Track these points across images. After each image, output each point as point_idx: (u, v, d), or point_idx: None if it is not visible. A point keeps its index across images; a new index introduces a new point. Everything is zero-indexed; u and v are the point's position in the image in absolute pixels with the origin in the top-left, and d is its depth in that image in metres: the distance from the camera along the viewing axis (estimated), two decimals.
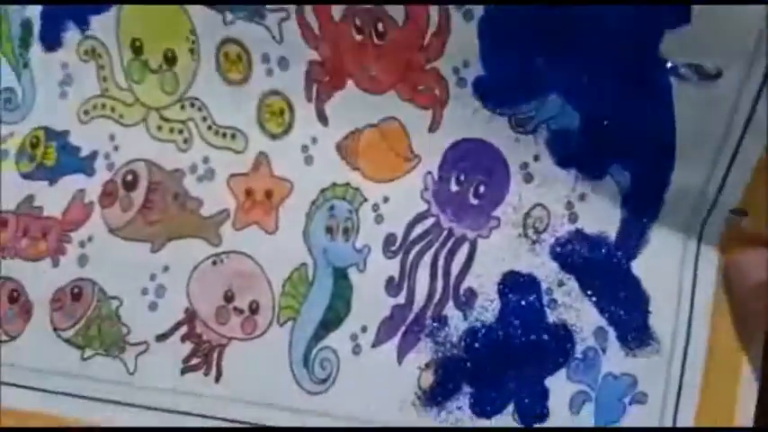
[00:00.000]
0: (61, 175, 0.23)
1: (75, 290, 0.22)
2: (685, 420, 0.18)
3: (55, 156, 0.23)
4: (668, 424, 0.18)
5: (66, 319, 0.22)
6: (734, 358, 0.18)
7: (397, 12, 0.19)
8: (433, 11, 0.19)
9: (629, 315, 0.19)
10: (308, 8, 0.20)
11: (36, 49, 0.23)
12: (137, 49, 0.22)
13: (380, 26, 0.20)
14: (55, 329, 0.22)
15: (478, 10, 0.18)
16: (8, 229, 0.23)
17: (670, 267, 0.19)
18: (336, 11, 0.20)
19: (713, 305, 0.18)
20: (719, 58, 0.16)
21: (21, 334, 0.22)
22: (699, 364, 0.18)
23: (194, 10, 0.21)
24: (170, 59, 0.22)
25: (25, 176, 0.23)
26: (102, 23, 0.22)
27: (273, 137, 0.21)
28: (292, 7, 0.20)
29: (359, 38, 0.20)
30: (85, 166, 0.23)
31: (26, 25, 0.23)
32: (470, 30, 0.19)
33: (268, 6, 0.20)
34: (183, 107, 0.22)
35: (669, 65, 0.17)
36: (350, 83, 0.20)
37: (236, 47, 0.21)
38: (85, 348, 0.22)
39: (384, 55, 0.20)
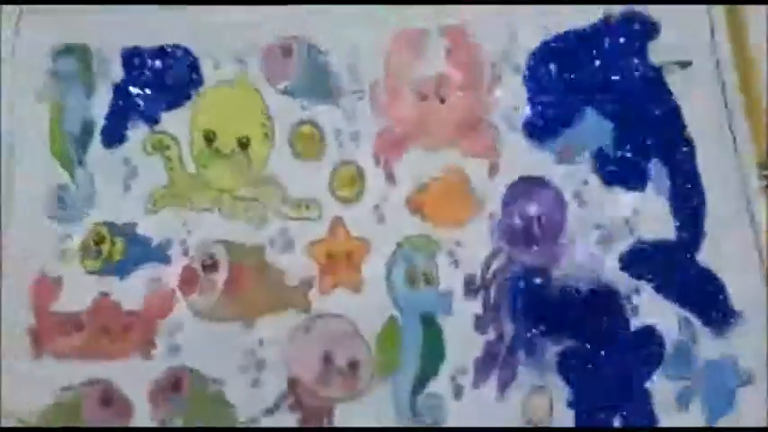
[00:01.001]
0: (134, 267, 0.24)
1: (173, 380, 0.23)
2: None
3: (123, 249, 0.24)
4: None
5: (169, 410, 0.22)
6: None
7: (456, 76, 0.23)
8: (486, 69, 0.22)
9: (710, 300, 0.22)
10: (380, 86, 0.23)
11: (95, 147, 0.24)
12: (209, 138, 0.24)
13: (443, 91, 0.23)
14: (160, 423, 0.22)
15: (523, 59, 0.23)
16: (85, 331, 0.23)
17: (733, 250, 0.22)
18: (404, 84, 0.23)
19: None
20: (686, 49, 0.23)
21: None
22: None
23: (269, 98, 0.23)
24: (243, 144, 0.24)
25: (93, 273, 0.23)
26: (173, 118, 0.24)
27: (347, 202, 0.24)
28: (367, 84, 0.23)
29: (423, 104, 0.23)
30: (159, 255, 0.24)
31: (86, 126, 0.24)
32: (517, 79, 0.23)
33: (342, 86, 0.23)
34: (256, 185, 0.24)
35: (657, 65, 0.23)
36: (414, 144, 0.23)
37: (311, 127, 0.23)
38: None
39: (445, 115, 0.23)
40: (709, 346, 0.22)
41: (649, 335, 0.22)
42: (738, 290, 0.22)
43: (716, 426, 0.22)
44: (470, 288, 0.23)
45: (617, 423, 0.22)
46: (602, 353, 0.22)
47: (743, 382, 0.22)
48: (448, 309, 0.23)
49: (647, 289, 0.23)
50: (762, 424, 0.21)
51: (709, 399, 0.22)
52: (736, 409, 0.22)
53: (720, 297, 0.22)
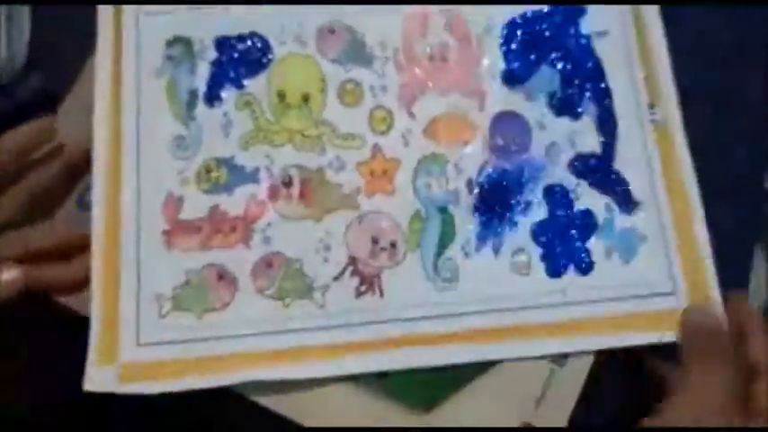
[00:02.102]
0: (235, 186, 0.34)
1: (268, 261, 0.33)
2: (671, 243, 0.33)
3: (226, 174, 0.34)
4: (663, 248, 0.32)
5: (265, 282, 0.33)
6: (685, 204, 0.33)
7: (452, 43, 0.34)
8: (474, 38, 0.34)
9: (621, 193, 0.34)
10: (400, 53, 0.35)
11: (201, 107, 0.35)
12: (281, 96, 0.35)
13: (444, 54, 0.34)
14: (258, 291, 0.33)
15: (498, 31, 0.35)
16: (203, 231, 0.33)
17: (634, 162, 0.34)
18: (417, 50, 0.34)
19: (663, 176, 0.33)
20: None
21: (232, 300, 0.33)
22: (667, 210, 0.33)
23: (322, 65, 0.35)
24: (306, 98, 0.34)
25: (207, 192, 0.34)
26: (254, 83, 0.35)
27: (381, 133, 0.34)
28: (390, 52, 0.34)
29: (431, 64, 0.34)
30: (252, 177, 0.34)
31: (193, 93, 0.35)
32: (495, 45, 0.34)
33: (375, 55, 0.35)
34: (317, 127, 0.34)
35: (587, 34, 0.35)
36: (427, 91, 0.34)
37: (353, 84, 0.35)
38: (285, 299, 0.33)
39: (448, 70, 0.34)
40: (621, 221, 0.34)
41: (586, 214, 0.34)
42: (637, 185, 0.34)
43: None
44: (470, 187, 0.34)
45: (571, 270, 0.33)
46: (559, 225, 0.33)
47: (640, 241, 0.33)
48: (455, 201, 0.34)
49: (583, 184, 0.34)
50: (652, 264, 0.32)
51: (622, 252, 0.33)
52: (637, 257, 0.33)
53: (627, 191, 0.34)
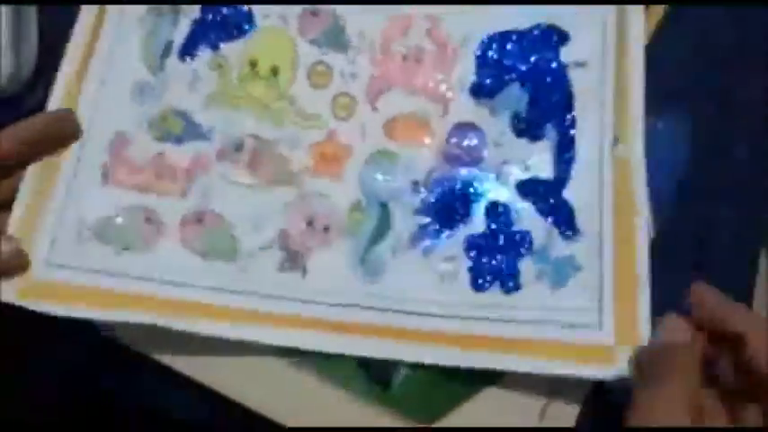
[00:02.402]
0: (186, 140, 0.34)
1: (199, 216, 0.33)
2: (607, 276, 0.32)
3: (181, 127, 0.35)
4: (597, 281, 0.32)
5: (192, 236, 0.33)
6: (630, 240, 0.33)
7: (430, 48, 0.35)
8: (451, 45, 0.35)
9: (565, 221, 0.34)
10: (376, 44, 0.35)
11: (173, 60, 0.35)
12: (252, 65, 0.35)
13: (419, 56, 0.35)
14: (182, 242, 0.33)
15: (476, 45, 0.35)
16: (143, 174, 0.34)
17: (586, 192, 0.34)
18: (394, 47, 0.35)
19: (614, 210, 0.33)
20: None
21: (155, 245, 0.33)
22: (609, 243, 0.33)
23: (299, 44, 0.36)
24: (275, 71, 0.35)
25: (157, 140, 0.34)
26: (230, 48, 0.36)
27: (341, 119, 0.35)
28: (366, 44, 0.35)
29: (404, 63, 0.35)
30: (205, 136, 0.35)
31: (168, 45, 0.36)
32: (471, 57, 0.35)
33: (351, 43, 0.35)
34: (280, 100, 0.35)
35: (565, 63, 0.36)
36: (394, 87, 0.35)
37: (324, 66, 0.35)
38: (207, 255, 0.33)
39: (419, 72, 0.35)
40: (559, 248, 0.33)
41: (524, 235, 0.34)
42: (583, 216, 0.34)
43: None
44: (415, 188, 0.34)
45: (495, 288, 0.32)
46: (494, 241, 0.33)
47: (574, 270, 0.33)
48: (397, 199, 0.34)
49: (528, 207, 0.34)
50: (581, 294, 0.32)
51: (553, 279, 0.33)
52: (567, 286, 0.33)
53: (571, 220, 0.34)
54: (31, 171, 0.33)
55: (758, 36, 0.40)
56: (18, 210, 0.32)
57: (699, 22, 0.39)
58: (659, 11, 0.39)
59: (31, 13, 0.39)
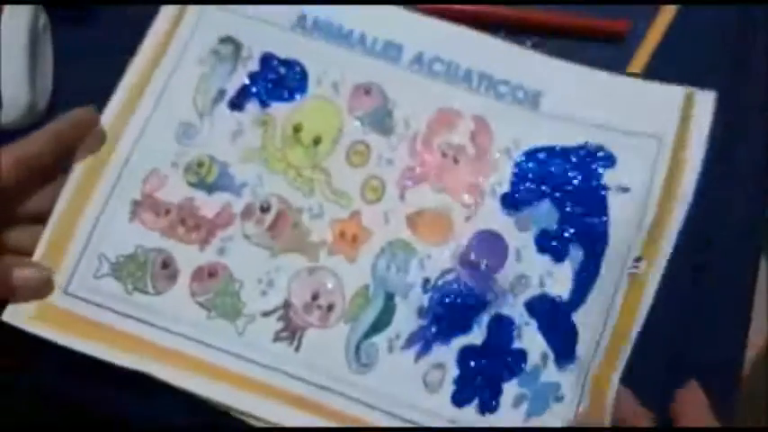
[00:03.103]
0: (217, 190, 0.36)
1: (212, 270, 0.35)
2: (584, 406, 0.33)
3: (215, 176, 0.36)
4: (572, 415, 0.32)
5: (201, 289, 0.34)
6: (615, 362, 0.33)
7: (471, 150, 0.35)
8: (493, 152, 0.36)
9: (565, 346, 0.34)
10: (419, 137, 0.36)
11: (222, 108, 0.37)
12: (296, 130, 0.37)
13: (458, 156, 0.35)
14: (192, 294, 0.34)
15: (517, 154, 0.36)
16: (170, 216, 0.35)
17: (595, 314, 0.34)
18: (436, 142, 0.35)
19: (612, 334, 0.34)
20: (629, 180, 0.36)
21: (165, 292, 0.34)
22: (592, 372, 0.33)
23: (345, 119, 0.37)
24: (317, 141, 0.36)
25: (190, 185, 0.36)
26: (278, 108, 0.37)
27: (369, 202, 0.36)
28: (410, 133, 0.36)
29: (442, 160, 0.35)
30: (236, 189, 0.36)
31: (221, 92, 0.37)
32: (509, 166, 0.36)
33: (396, 129, 0.36)
34: (314, 171, 0.36)
35: (607, 186, 0.36)
36: (426, 182, 0.36)
37: (364, 146, 0.36)
38: (211, 311, 0.34)
39: (454, 172, 0.36)
40: (549, 373, 0.34)
41: (520, 354, 0.34)
42: (584, 340, 0.34)
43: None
44: (426, 287, 0.35)
45: (473, 405, 0.33)
46: (486, 357, 0.34)
47: (556, 400, 0.34)
48: (404, 295, 0.35)
49: (532, 325, 0.34)
50: (555, 427, 0.33)
51: (533, 406, 0.34)
52: (544, 415, 0.33)
53: (572, 345, 0.34)
54: (64, 197, 0.35)
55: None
56: (47, 234, 0.34)
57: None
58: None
59: (47, 46, 0.41)
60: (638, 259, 0.35)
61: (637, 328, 0.34)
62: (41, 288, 0.33)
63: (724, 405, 0.35)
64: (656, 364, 0.37)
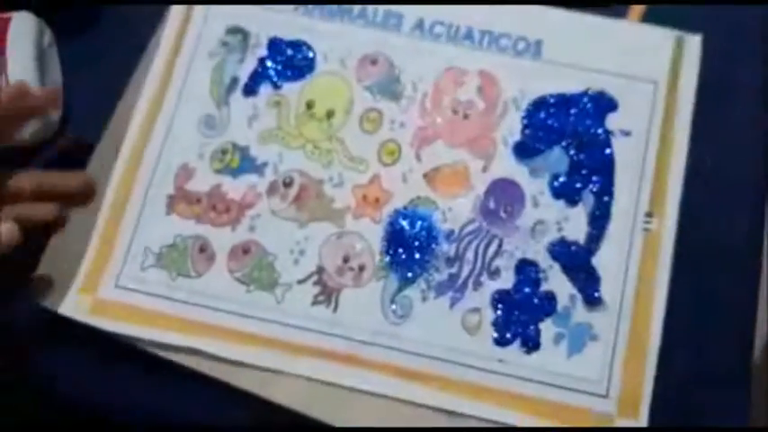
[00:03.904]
0: (241, 173, 0.38)
1: (246, 247, 0.37)
2: (620, 350, 0.34)
3: (238, 161, 0.38)
4: (610, 352, 0.34)
5: (238, 265, 0.37)
6: (647, 318, 0.35)
7: (479, 104, 0.37)
8: (500, 105, 0.37)
9: (589, 289, 0.35)
10: (428, 98, 0.38)
11: (236, 95, 0.39)
12: (309, 106, 0.39)
13: (468, 111, 0.37)
14: (230, 272, 0.36)
15: (525, 104, 0.38)
16: (201, 204, 0.38)
17: (614, 262, 0.35)
18: (445, 101, 0.37)
19: (636, 285, 0.35)
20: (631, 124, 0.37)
21: (206, 273, 0.37)
22: (627, 318, 0.34)
23: (357, 90, 0.39)
24: (330, 114, 0.38)
25: (216, 172, 0.38)
26: (290, 88, 0.39)
27: (385, 165, 0.38)
28: (419, 95, 0.37)
29: (453, 116, 0.37)
30: (259, 170, 0.38)
31: (234, 80, 0.39)
32: (518, 116, 0.37)
33: (405, 93, 0.38)
34: (330, 141, 0.38)
35: (610, 130, 0.37)
36: (440, 140, 0.37)
37: (376, 113, 0.38)
38: (249, 285, 0.36)
39: (465, 127, 0.37)
40: (580, 314, 0.35)
41: (549, 296, 0.36)
42: (607, 287, 0.36)
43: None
44: (449, 238, 0.37)
45: (516, 344, 0.34)
46: (520, 299, 0.35)
47: (591, 339, 0.35)
48: (431, 247, 0.37)
49: (556, 267, 0.36)
50: (594, 363, 0.34)
51: (571, 343, 0.35)
52: (583, 352, 0.35)
53: (596, 288, 0.36)
54: (107, 198, 0.38)
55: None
56: (96, 235, 0.37)
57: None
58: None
59: (54, 60, 0.42)
60: (648, 214, 0.36)
61: (662, 285, 0.35)
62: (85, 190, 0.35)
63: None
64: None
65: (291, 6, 0.41)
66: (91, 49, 0.43)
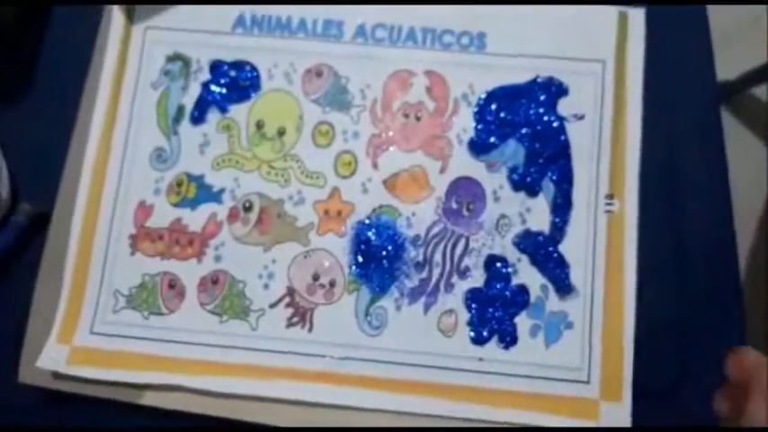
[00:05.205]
0: (199, 203, 0.39)
1: (214, 278, 0.37)
2: (596, 334, 0.35)
3: (195, 191, 0.39)
4: (587, 338, 0.35)
5: (208, 298, 0.37)
6: (619, 299, 0.36)
7: (430, 105, 0.38)
8: (450, 103, 0.38)
9: (560, 277, 0.36)
10: (378, 105, 0.38)
11: (185, 124, 0.39)
12: (259, 126, 0.39)
13: (419, 113, 0.38)
14: (201, 305, 0.37)
15: (475, 100, 0.38)
16: (164, 241, 0.38)
17: (580, 248, 0.36)
18: (395, 105, 0.38)
19: (605, 267, 0.36)
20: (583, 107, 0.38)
21: (177, 309, 0.37)
22: (599, 301, 0.36)
23: (303, 104, 0.39)
24: (281, 132, 0.39)
25: (174, 205, 0.39)
26: (237, 110, 0.39)
27: (343, 177, 0.38)
28: (369, 102, 0.38)
29: (404, 120, 0.38)
30: (217, 197, 0.39)
31: (181, 109, 0.39)
32: (469, 112, 0.38)
33: (354, 102, 0.38)
34: (285, 160, 0.38)
35: (563, 116, 0.38)
36: (394, 146, 0.38)
37: (327, 126, 0.38)
38: (222, 315, 0.37)
39: (418, 130, 0.38)
40: (553, 303, 0.37)
41: (521, 289, 0.37)
42: (577, 272, 0.37)
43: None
44: (416, 242, 0.37)
45: (494, 340, 0.35)
46: (492, 296, 0.36)
47: (567, 327, 0.36)
48: (399, 254, 0.37)
49: (524, 260, 0.37)
50: (573, 351, 0.36)
51: (547, 334, 0.37)
52: (560, 341, 0.36)
53: (566, 275, 0.37)
54: (72, 248, 0.38)
55: None
56: (66, 286, 0.38)
57: None
58: None
59: None
60: (609, 197, 0.37)
61: (631, 264, 0.36)
62: None
63: None
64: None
65: (228, 27, 0.41)
66: (24, 110, 0.42)
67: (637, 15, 0.40)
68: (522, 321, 0.36)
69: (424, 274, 0.37)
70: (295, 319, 0.37)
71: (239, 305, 0.37)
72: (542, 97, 0.39)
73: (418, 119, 0.39)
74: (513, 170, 0.38)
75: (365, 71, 0.40)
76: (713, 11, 0.42)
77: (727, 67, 0.88)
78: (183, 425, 0.36)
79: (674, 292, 0.37)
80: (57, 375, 0.36)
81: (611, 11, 0.40)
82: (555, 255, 0.37)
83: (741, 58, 0.89)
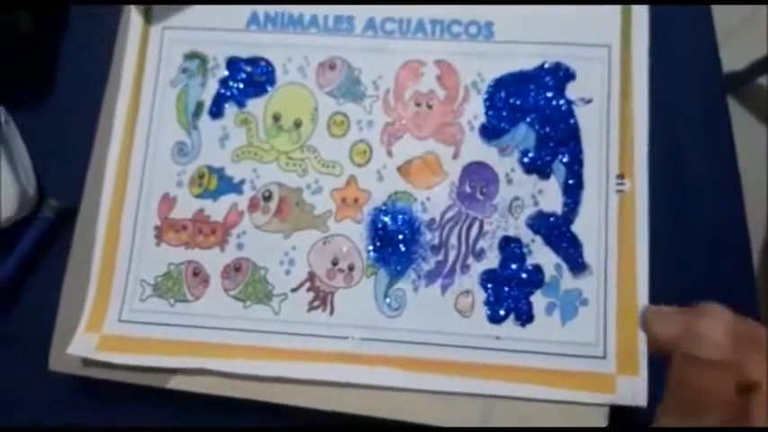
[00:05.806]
0: (221, 194, 0.40)
1: (237, 265, 0.39)
2: (611, 310, 0.36)
3: (216, 183, 0.40)
4: (602, 314, 0.36)
5: (232, 284, 0.38)
6: (632, 275, 0.37)
7: (440, 93, 0.39)
8: (461, 90, 0.39)
9: (573, 255, 0.37)
10: (390, 95, 0.39)
11: (204, 119, 0.41)
12: (276, 119, 0.41)
13: (430, 101, 0.39)
14: (225, 291, 0.38)
15: (484, 87, 0.40)
16: (187, 231, 0.40)
17: (593, 227, 0.37)
18: (407, 94, 0.39)
19: (617, 245, 0.37)
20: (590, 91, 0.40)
21: (203, 295, 0.39)
22: (612, 279, 0.37)
23: (318, 96, 0.41)
24: (298, 124, 0.40)
25: (197, 197, 0.40)
26: (254, 104, 0.41)
27: (359, 166, 0.40)
28: (381, 93, 0.39)
29: (417, 109, 0.39)
30: (237, 188, 0.40)
31: (200, 105, 0.41)
32: (479, 99, 0.39)
33: (367, 93, 0.39)
34: (302, 150, 0.40)
35: (571, 100, 0.40)
36: (408, 134, 0.39)
37: (342, 117, 0.40)
38: (246, 301, 0.38)
39: (430, 118, 0.39)
40: (567, 281, 0.38)
41: (535, 269, 0.38)
42: (590, 250, 0.38)
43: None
44: (431, 226, 0.39)
45: (510, 319, 0.37)
46: (508, 276, 0.37)
47: (582, 304, 0.38)
48: (415, 237, 0.39)
49: (538, 240, 0.38)
50: (588, 327, 0.36)
51: (563, 311, 0.38)
52: (576, 318, 0.37)
53: (579, 254, 0.38)
54: (99, 241, 0.40)
55: None
56: (94, 274, 0.40)
57: None
58: None
59: (16, 137, 0.43)
60: (620, 176, 0.38)
61: (643, 242, 0.37)
62: None
63: None
64: None
65: (243, 25, 0.42)
66: (48, 110, 0.44)
67: (641, 11, 0.41)
68: (538, 300, 0.38)
69: (441, 257, 0.39)
70: (316, 303, 0.38)
71: (262, 291, 0.39)
72: (550, 82, 0.40)
73: (430, 107, 0.41)
74: (524, 154, 0.40)
75: (377, 63, 0.41)
76: (714, 10, 0.44)
77: (731, 61, 0.90)
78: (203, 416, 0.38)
79: (681, 273, 0.39)
80: (86, 362, 0.38)
81: (615, 7, 0.41)
82: (568, 234, 0.38)
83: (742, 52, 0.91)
